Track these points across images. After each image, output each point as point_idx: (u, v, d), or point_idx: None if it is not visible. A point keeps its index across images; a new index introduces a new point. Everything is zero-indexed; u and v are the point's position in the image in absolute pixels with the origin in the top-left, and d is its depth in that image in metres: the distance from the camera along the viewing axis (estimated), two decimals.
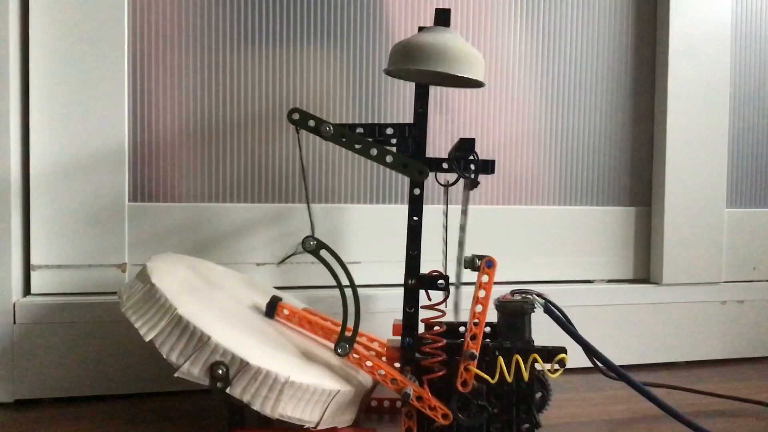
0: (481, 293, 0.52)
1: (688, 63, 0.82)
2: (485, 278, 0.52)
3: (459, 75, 0.50)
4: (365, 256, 0.75)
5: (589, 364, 0.59)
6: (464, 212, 0.58)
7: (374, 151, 0.53)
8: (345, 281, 0.53)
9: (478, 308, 0.52)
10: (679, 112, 0.82)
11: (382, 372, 0.52)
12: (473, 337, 0.52)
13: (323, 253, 0.53)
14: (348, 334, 0.53)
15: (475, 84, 0.54)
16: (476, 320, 0.52)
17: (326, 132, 0.53)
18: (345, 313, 0.53)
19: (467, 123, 0.79)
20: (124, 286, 0.56)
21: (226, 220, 0.71)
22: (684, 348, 0.83)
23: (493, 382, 0.53)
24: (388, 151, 0.53)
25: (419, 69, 0.51)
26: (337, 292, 0.70)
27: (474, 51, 0.51)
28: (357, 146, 0.53)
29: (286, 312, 0.60)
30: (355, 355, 0.53)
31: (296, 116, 0.53)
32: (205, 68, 0.71)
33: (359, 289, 0.73)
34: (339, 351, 0.52)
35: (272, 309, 0.59)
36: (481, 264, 0.52)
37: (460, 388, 0.52)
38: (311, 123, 0.53)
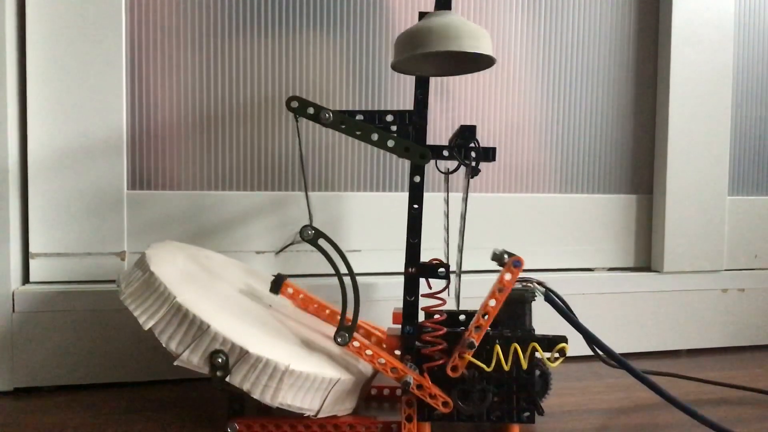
0: (499, 289, 0.52)
1: (690, 50, 0.82)
2: (508, 276, 0.52)
3: (469, 51, 0.49)
4: (365, 245, 0.75)
5: (590, 353, 0.59)
6: (464, 200, 0.58)
7: (375, 136, 0.52)
8: (344, 270, 0.52)
9: (492, 302, 0.52)
10: (682, 100, 0.82)
11: (383, 361, 0.52)
12: (477, 328, 0.52)
13: (322, 242, 0.52)
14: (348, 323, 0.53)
15: (486, 61, 0.52)
16: (486, 313, 0.52)
17: (326, 119, 0.52)
18: (344, 301, 0.52)
19: (468, 110, 0.78)
20: (122, 275, 0.56)
21: (225, 208, 0.71)
22: (685, 336, 0.83)
23: (488, 369, 0.53)
24: (389, 136, 0.52)
25: (427, 53, 0.50)
26: (336, 280, 0.70)
27: (480, 27, 0.50)
28: (357, 132, 0.52)
29: (290, 291, 0.60)
30: (355, 344, 0.53)
31: (295, 104, 0.52)
32: (204, 56, 0.70)
33: (359, 278, 0.73)
34: (339, 340, 0.52)
35: (278, 285, 0.59)
36: (508, 262, 0.52)
37: (450, 373, 0.52)
38: (310, 110, 0.52)
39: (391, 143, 0.52)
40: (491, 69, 0.78)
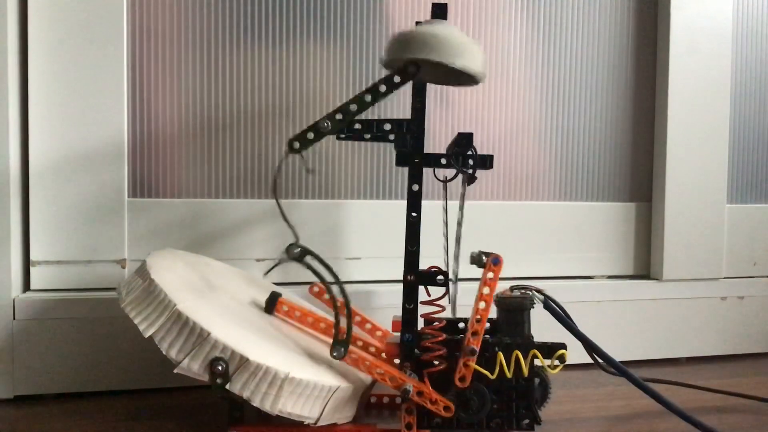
0: (485, 290, 0.52)
1: (689, 58, 0.82)
2: (490, 275, 0.52)
3: (454, 66, 0.49)
4: (364, 252, 0.75)
5: (589, 360, 0.59)
6: (460, 208, 0.58)
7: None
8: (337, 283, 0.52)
9: (481, 305, 0.52)
10: (680, 108, 0.82)
11: (381, 371, 0.52)
12: (474, 334, 0.52)
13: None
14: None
15: (473, 78, 0.53)
16: (479, 317, 0.52)
17: (325, 128, 0.52)
18: (336, 316, 0.52)
19: (466, 118, 0.79)
20: (123, 282, 0.56)
21: (225, 216, 0.71)
22: (684, 344, 0.83)
23: (492, 377, 0.53)
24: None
25: (414, 59, 0.50)
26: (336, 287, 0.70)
27: (472, 41, 0.50)
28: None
29: (285, 308, 0.60)
30: (352, 356, 0.53)
31: (297, 144, 0.52)
32: (205, 63, 0.71)
33: (359, 286, 0.73)
34: (334, 354, 0.52)
35: (272, 304, 0.59)
36: (488, 261, 0.52)
37: (458, 384, 0.52)
38: (310, 136, 0.52)
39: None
40: (489, 77, 0.79)
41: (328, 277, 0.52)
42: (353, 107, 0.51)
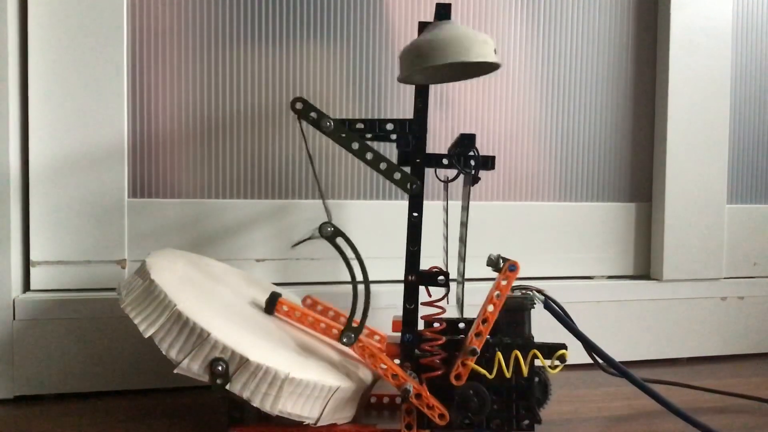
0: (497, 294, 0.52)
1: (689, 59, 0.82)
2: (504, 281, 0.52)
3: (476, 60, 0.49)
4: (365, 252, 0.75)
5: (590, 361, 0.59)
6: (465, 208, 0.58)
7: (369, 155, 0.52)
8: (358, 268, 0.52)
9: (490, 308, 0.52)
10: (680, 108, 0.82)
11: (384, 366, 0.52)
12: (478, 335, 0.52)
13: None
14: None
15: (491, 67, 0.52)
16: (485, 319, 0.52)
17: (326, 127, 0.52)
18: (354, 301, 0.52)
19: (468, 118, 0.79)
20: (123, 282, 0.56)
21: (225, 216, 0.71)
22: (684, 344, 0.83)
23: (491, 377, 0.53)
24: (382, 158, 0.52)
25: (435, 66, 0.50)
26: (336, 288, 0.70)
27: (481, 34, 0.50)
28: (354, 146, 0.52)
29: (285, 308, 0.60)
30: (360, 344, 0.53)
31: (299, 105, 0.53)
32: (205, 64, 0.71)
33: (361, 285, 0.73)
34: (344, 340, 0.52)
35: (272, 305, 0.59)
36: (504, 266, 0.52)
37: (453, 382, 0.52)
38: (313, 115, 0.53)
39: (383, 166, 0.53)
40: (491, 78, 0.79)
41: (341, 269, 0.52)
42: (354, 146, 0.52)
